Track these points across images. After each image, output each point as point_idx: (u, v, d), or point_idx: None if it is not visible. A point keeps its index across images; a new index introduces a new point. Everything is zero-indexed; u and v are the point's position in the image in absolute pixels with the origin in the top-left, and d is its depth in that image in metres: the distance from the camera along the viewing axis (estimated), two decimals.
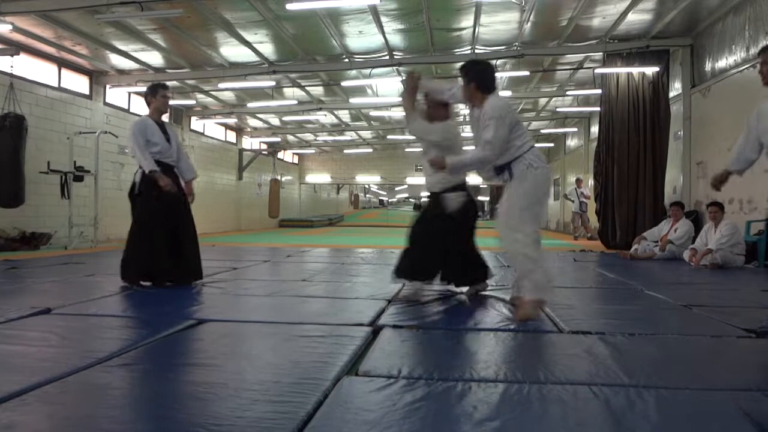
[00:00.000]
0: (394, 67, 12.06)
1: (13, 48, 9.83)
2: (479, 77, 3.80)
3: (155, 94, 5.09)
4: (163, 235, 4.92)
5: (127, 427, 1.80)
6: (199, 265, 5.22)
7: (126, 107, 14.28)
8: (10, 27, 8.78)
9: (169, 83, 13.45)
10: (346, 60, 11.89)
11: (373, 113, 18.72)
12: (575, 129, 19.88)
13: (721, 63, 9.17)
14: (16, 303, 4.05)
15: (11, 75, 9.72)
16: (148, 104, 5.15)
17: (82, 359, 2.55)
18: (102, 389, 2.20)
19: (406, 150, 26.50)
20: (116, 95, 13.83)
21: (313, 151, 27.71)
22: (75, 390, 2.19)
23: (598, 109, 11.66)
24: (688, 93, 10.37)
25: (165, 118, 5.26)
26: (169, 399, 2.07)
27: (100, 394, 2.16)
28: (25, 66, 10.75)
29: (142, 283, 4.89)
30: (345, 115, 19.45)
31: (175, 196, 5.03)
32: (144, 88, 13.13)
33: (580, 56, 11.89)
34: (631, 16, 9.48)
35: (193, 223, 5.22)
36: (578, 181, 15.48)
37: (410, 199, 51.10)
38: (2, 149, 9.06)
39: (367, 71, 12.62)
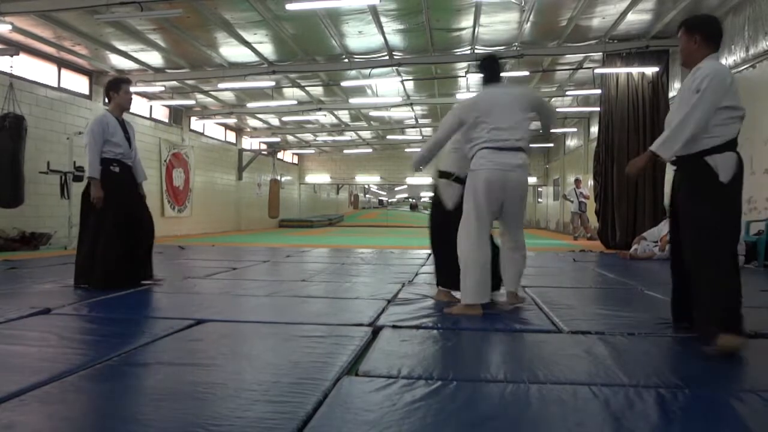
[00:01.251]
0: (394, 68, 12.07)
1: (13, 48, 9.83)
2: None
3: (118, 89, 4.93)
4: (124, 237, 4.81)
5: (127, 427, 1.80)
6: (150, 265, 5.10)
7: None
8: (9, 27, 8.78)
9: (168, 83, 13.59)
10: (346, 60, 11.90)
11: (373, 113, 18.72)
12: (575, 129, 19.89)
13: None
14: (15, 303, 4.05)
15: (11, 75, 9.72)
16: (110, 99, 4.98)
17: (82, 359, 2.55)
18: (101, 389, 2.20)
19: (406, 150, 26.50)
20: None
21: (312, 152, 27.71)
22: (74, 390, 2.19)
23: (598, 109, 11.67)
24: None
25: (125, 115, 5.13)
26: (168, 399, 2.07)
27: (99, 394, 2.16)
28: (24, 66, 10.75)
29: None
30: (345, 116, 19.46)
31: (129, 196, 4.94)
32: (145, 89, 13.18)
33: (579, 56, 11.90)
34: (631, 17, 9.49)
35: (150, 222, 5.11)
36: (577, 182, 15.49)
37: (410, 199, 51.11)
38: (2, 149, 9.06)
39: (366, 71, 12.62)
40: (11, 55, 9.59)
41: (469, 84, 14.30)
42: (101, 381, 2.29)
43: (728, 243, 2.93)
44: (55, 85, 11.78)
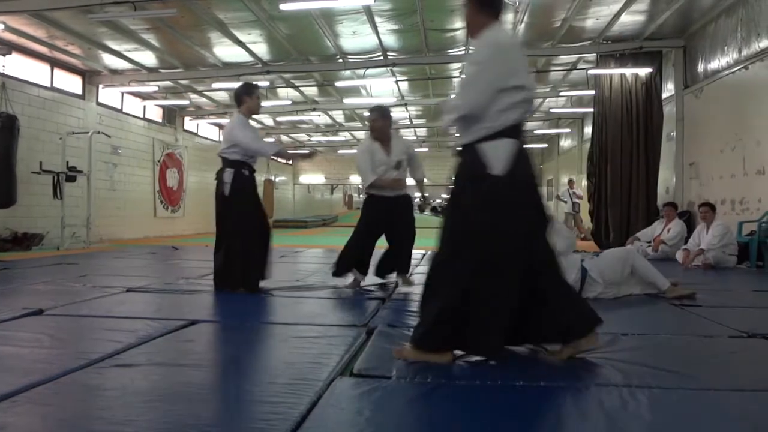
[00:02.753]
0: (389, 68, 12.07)
1: (5, 47, 9.78)
2: None
3: (251, 94, 4.87)
4: (258, 238, 4.83)
5: (120, 428, 1.79)
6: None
7: (119, 107, 14.22)
8: (1, 26, 8.75)
9: (161, 83, 13.55)
10: (340, 60, 11.89)
11: (368, 114, 18.68)
12: (569, 130, 19.95)
13: (714, 64, 9.22)
14: (8, 304, 4.03)
15: (3, 75, 9.68)
16: (241, 102, 4.86)
17: (75, 360, 2.53)
18: (94, 390, 2.19)
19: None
20: (109, 95, 13.77)
21: (306, 152, 27.63)
22: (67, 391, 2.18)
23: (592, 109, 11.71)
24: (681, 94, 10.43)
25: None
26: (162, 400, 2.07)
27: (92, 395, 2.15)
28: (17, 66, 10.69)
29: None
30: (339, 116, 19.45)
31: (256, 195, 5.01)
32: (138, 88, 13.12)
33: (573, 57, 11.93)
34: (624, 18, 9.52)
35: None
36: (570, 182, 15.54)
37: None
38: None
39: (361, 72, 12.61)
40: (4, 55, 9.54)
41: None
42: (94, 382, 2.28)
43: (476, 249, 2.47)
44: (48, 85, 11.71)
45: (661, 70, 10.59)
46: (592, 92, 11.42)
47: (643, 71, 10.48)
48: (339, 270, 5.07)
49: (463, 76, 2.79)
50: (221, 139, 5.22)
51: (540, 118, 19.22)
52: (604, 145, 10.81)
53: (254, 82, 5.16)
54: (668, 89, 10.86)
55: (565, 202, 15.32)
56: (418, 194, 5.51)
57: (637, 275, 4.58)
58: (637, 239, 8.60)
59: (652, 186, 10.43)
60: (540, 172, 25.48)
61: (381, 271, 5.29)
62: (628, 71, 10.58)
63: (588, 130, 15.21)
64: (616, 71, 10.68)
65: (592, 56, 11.37)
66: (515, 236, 2.48)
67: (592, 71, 11.32)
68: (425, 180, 5.41)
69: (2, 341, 2.91)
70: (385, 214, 5.03)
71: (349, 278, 5.07)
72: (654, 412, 1.97)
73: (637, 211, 10.42)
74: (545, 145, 24.21)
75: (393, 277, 5.26)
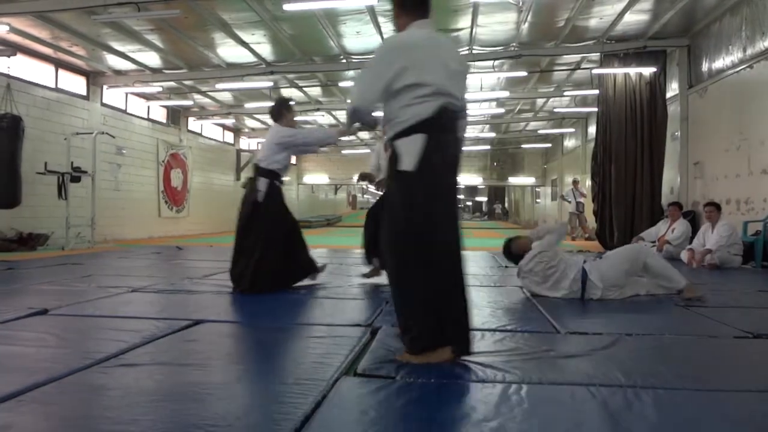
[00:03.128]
0: None
1: (10, 49, 9.82)
2: None
3: (290, 108, 5.35)
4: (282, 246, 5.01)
5: (125, 428, 1.80)
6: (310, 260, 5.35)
7: (123, 108, 14.26)
8: (6, 28, 8.77)
9: (165, 84, 13.58)
10: (344, 60, 11.89)
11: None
12: (573, 129, 19.92)
13: (718, 63, 9.20)
14: (13, 304, 4.04)
15: (8, 76, 9.72)
16: (280, 116, 5.24)
17: (79, 360, 2.54)
18: (99, 390, 2.19)
19: None
20: (113, 96, 13.81)
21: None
22: (72, 391, 2.19)
23: (596, 109, 11.69)
24: (685, 93, 10.40)
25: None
26: (166, 400, 2.07)
27: (97, 394, 2.16)
28: (21, 67, 10.74)
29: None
30: (343, 116, 19.45)
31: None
32: (143, 89, 13.15)
33: (577, 57, 11.92)
34: (628, 17, 9.50)
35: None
36: (575, 182, 15.51)
37: None
38: None
39: None
40: (8, 56, 9.58)
41: (466, 84, 14.26)
42: (99, 381, 2.28)
43: (408, 246, 2.52)
44: (53, 86, 11.75)
45: (665, 69, 10.55)
46: (596, 92, 11.40)
47: (647, 71, 10.45)
48: (368, 257, 5.73)
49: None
50: (260, 148, 5.60)
51: (544, 117, 19.20)
52: (608, 144, 10.79)
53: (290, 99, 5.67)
54: (672, 89, 10.84)
55: (569, 202, 15.29)
56: None
57: (652, 273, 4.51)
58: (642, 239, 8.57)
59: (657, 186, 10.40)
60: (543, 172, 25.47)
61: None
62: (632, 71, 10.56)
63: (592, 129, 15.19)
64: (620, 71, 10.66)
65: (595, 56, 11.35)
66: (434, 228, 2.53)
67: (596, 71, 11.29)
68: None
69: (7, 341, 2.92)
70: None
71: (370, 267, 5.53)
72: (659, 413, 1.96)
73: (641, 210, 10.39)
74: (549, 145, 24.19)
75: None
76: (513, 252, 4.84)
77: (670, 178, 10.72)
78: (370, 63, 2.65)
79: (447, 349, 2.55)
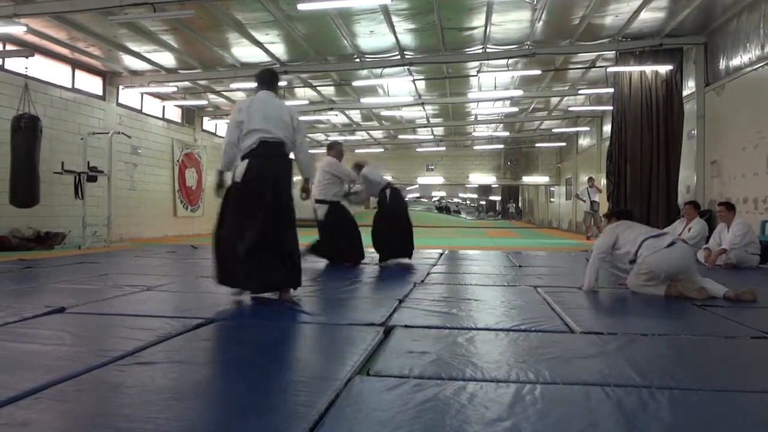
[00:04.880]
0: (406, 67, 12.06)
1: (28, 50, 9.94)
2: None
3: (341, 147, 7.58)
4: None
5: (140, 426, 1.81)
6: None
7: (139, 108, 14.39)
8: (24, 29, 8.88)
9: (180, 84, 13.67)
10: (357, 60, 11.90)
11: (385, 113, 18.72)
12: (587, 128, 19.78)
13: (735, 61, 9.09)
14: (30, 302, 4.09)
15: (26, 76, 9.83)
16: (333, 150, 7.38)
17: (96, 358, 2.57)
18: (115, 388, 2.21)
19: (418, 150, 26.48)
20: (129, 96, 13.94)
21: (322, 151, 27.72)
22: (89, 388, 2.21)
23: (611, 108, 11.60)
24: (702, 91, 10.29)
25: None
26: (180, 398, 2.09)
27: (113, 392, 2.18)
28: (39, 67, 10.87)
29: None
30: (356, 115, 19.48)
31: None
32: (158, 89, 13.25)
33: (592, 55, 11.84)
34: (644, 14, 9.42)
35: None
36: (590, 180, 15.40)
37: (422, 199, 50.89)
38: (18, 150, 9.16)
39: (378, 71, 12.63)
40: (26, 57, 9.69)
41: (480, 83, 14.26)
42: (115, 379, 2.30)
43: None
44: (70, 86, 11.89)
45: (682, 67, 10.45)
46: (611, 90, 11.32)
47: (664, 68, 10.36)
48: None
49: None
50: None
51: (558, 116, 19.08)
52: (623, 143, 10.71)
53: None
54: (689, 87, 10.73)
55: (584, 200, 15.19)
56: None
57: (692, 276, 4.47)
58: None
59: (673, 184, 10.30)
60: (558, 171, 25.34)
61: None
62: (648, 69, 10.47)
63: (607, 128, 15.08)
64: (636, 69, 10.57)
65: (611, 54, 11.27)
66: (246, 214, 4.09)
67: (611, 69, 11.21)
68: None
69: (25, 339, 2.96)
70: None
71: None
72: (674, 413, 1.94)
73: (657, 210, 10.30)
74: (563, 144, 24.04)
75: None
76: None
77: (687, 176, 10.62)
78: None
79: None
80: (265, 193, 4.08)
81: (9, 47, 10.26)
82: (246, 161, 4.06)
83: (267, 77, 4.49)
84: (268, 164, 4.13)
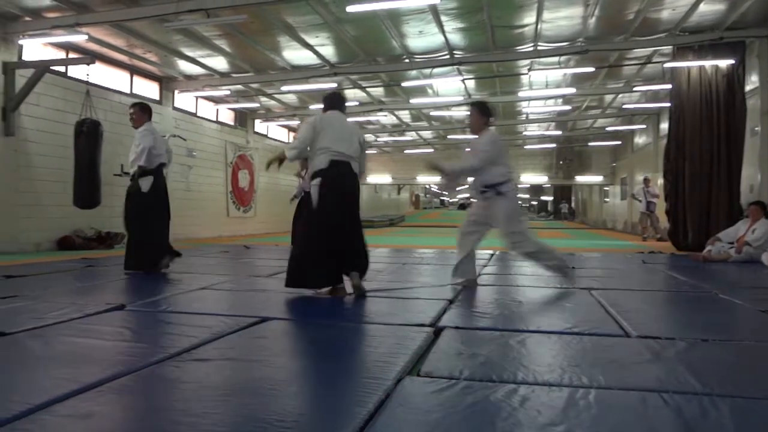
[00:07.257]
0: (455, 67, 11.99)
1: (89, 57, 10.33)
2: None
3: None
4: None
5: (196, 420, 1.86)
6: None
7: (193, 111, 14.79)
8: (85, 37, 9.26)
9: (233, 87, 13.95)
10: (407, 60, 11.90)
11: (434, 113, 18.66)
12: (643, 126, 19.20)
13: None
14: (92, 299, 4.26)
15: (87, 83, 10.22)
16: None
17: (154, 354, 2.65)
18: (172, 383, 2.28)
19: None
20: (184, 100, 14.35)
21: (374, 152, 27.88)
22: (147, 383, 2.28)
23: (668, 104, 11.23)
24: (766, 86, 9.84)
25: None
26: (234, 394, 2.13)
27: (170, 387, 2.24)
28: (99, 74, 11.30)
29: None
30: (405, 116, 19.48)
31: None
32: (211, 93, 13.51)
33: (648, 50, 11.48)
34: (703, 7, 9.07)
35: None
36: (646, 180, 14.94)
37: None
38: (80, 153, 9.51)
39: (427, 71, 12.59)
40: (87, 64, 10.07)
41: (531, 81, 14.04)
42: (172, 375, 2.37)
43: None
44: (128, 92, 12.31)
45: (744, 61, 10.01)
46: (669, 86, 10.96)
47: (724, 63, 9.95)
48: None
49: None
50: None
51: (612, 114, 18.60)
52: (681, 141, 10.34)
53: None
54: (752, 81, 10.28)
55: (640, 201, 14.76)
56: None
57: None
58: (719, 240, 8.19)
59: (735, 184, 9.89)
60: (612, 170, 24.73)
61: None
62: (708, 63, 10.08)
63: (664, 126, 14.62)
64: (695, 64, 10.19)
65: (668, 49, 10.89)
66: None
67: (668, 64, 10.85)
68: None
69: (88, 334, 3.08)
70: None
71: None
72: (737, 422, 1.86)
73: (717, 210, 9.90)
74: (618, 143, 23.41)
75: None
76: None
77: (750, 175, 10.17)
78: None
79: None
80: (344, 204, 4.53)
81: (71, 55, 10.72)
82: (319, 179, 4.43)
83: (337, 99, 4.87)
84: (341, 180, 4.50)
